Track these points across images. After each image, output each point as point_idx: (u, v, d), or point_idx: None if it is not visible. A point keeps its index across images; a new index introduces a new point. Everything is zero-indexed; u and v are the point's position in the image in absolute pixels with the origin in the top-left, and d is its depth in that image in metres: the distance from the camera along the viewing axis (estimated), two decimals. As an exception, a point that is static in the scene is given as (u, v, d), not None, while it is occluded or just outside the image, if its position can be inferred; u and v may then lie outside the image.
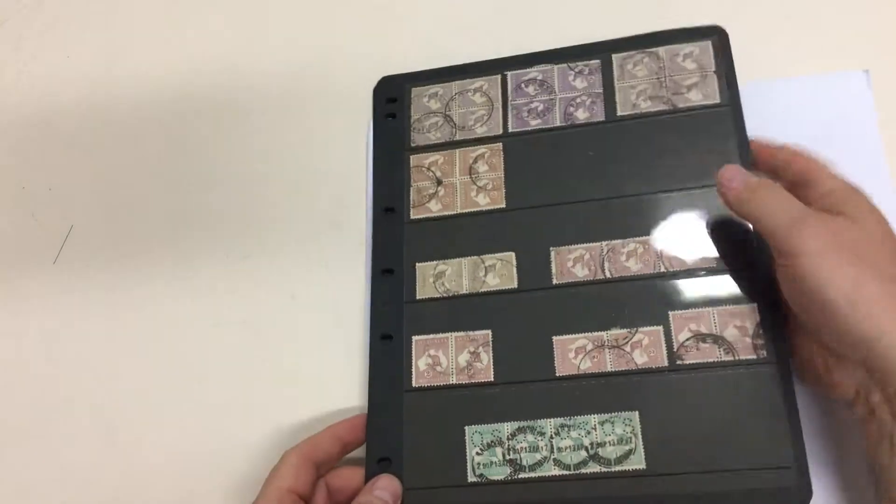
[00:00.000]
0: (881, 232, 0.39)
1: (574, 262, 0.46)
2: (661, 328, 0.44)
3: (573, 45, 0.52)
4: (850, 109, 0.48)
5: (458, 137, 0.51)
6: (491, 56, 0.53)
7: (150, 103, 0.57)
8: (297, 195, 0.53)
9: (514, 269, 0.47)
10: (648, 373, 0.43)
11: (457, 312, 0.47)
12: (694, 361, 0.43)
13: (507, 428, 0.43)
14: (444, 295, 0.47)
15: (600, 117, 0.49)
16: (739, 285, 0.44)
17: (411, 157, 0.51)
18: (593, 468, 0.42)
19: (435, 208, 0.50)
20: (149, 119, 0.57)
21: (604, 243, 0.46)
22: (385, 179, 0.51)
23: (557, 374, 0.44)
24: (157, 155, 0.56)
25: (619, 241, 0.46)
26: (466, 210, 0.49)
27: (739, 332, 0.42)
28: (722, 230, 0.45)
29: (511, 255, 0.47)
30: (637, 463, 0.41)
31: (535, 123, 0.50)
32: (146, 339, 0.51)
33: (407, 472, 0.43)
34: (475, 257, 0.48)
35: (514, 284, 0.47)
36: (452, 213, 0.49)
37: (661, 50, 0.50)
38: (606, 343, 0.44)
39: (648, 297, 0.44)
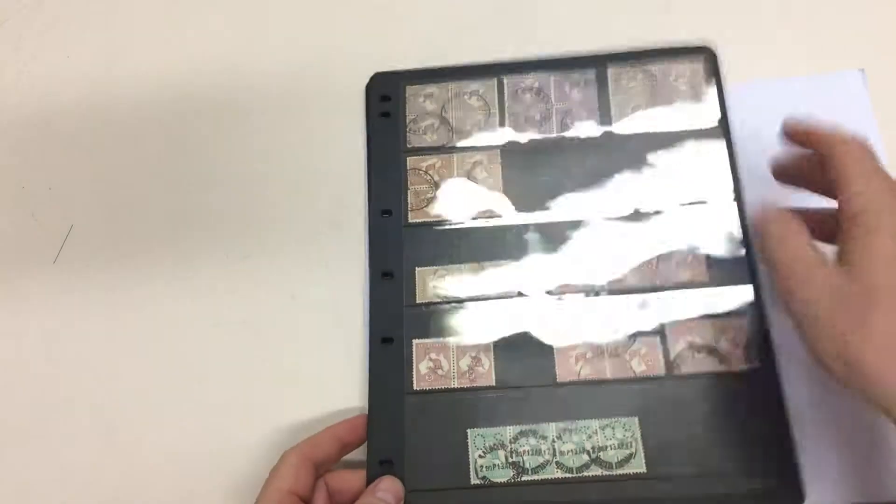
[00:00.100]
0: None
1: (572, 272, 0.48)
2: (657, 338, 0.46)
3: (570, 54, 0.53)
4: (846, 109, 0.50)
5: (455, 142, 0.52)
6: (487, 59, 0.54)
7: (150, 103, 0.56)
8: (297, 195, 0.53)
9: (514, 277, 0.48)
10: (647, 380, 0.45)
11: (457, 317, 0.48)
12: (689, 371, 0.45)
13: (509, 431, 0.45)
14: (445, 300, 0.48)
15: (595, 131, 0.51)
16: (731, 299, 0.46)
17: (408, 158, 0.52)
18: (595, 471, 0.43)
19: (433, 213, 0.50)
20: (149, 119, 0.56)
21: (602, 255, 0.48)
22: (382, 181, 0.52)
23: (558, 381, 0.45)
24: (157, 155, 0.55)
25: (616, 254, 0.48)
26: (465, 216, 0.50)
27: (732, 343, 0.45)
28: (714, 246, 0.47)
29: (509, 263, 0.48)
30: (637, 466, 0.43)
31: (532, 133, 0.52)
32: (146, 339, 0.50)
33: (409, 474, 0.44)
34: (475, 263, 0.49)
35: (514, 291, 0.48)
36: (451, 218, 0.50)
37: (655, 67, 0.52)
38: (606, 351, 0.46)
39: (646, 309, 0.46)
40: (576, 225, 0.49)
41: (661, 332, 0.46)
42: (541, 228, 0.49)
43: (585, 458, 0.44)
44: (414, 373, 0.47)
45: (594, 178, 0.50)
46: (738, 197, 0.48)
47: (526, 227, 0.49)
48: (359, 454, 0.46)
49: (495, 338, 0.47)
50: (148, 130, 0.56)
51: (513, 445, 0.44)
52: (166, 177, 0.54)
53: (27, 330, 0.51)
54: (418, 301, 0.48)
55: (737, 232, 0.47)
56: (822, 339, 0.35)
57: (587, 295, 0.47)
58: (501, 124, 0.52)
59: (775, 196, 0.48)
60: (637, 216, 0.49)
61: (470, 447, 0.45)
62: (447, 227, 0.50)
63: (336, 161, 0.53)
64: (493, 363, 0.46)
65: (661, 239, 0.48)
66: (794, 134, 0.42)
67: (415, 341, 0.47)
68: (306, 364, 0.49)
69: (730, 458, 0.43)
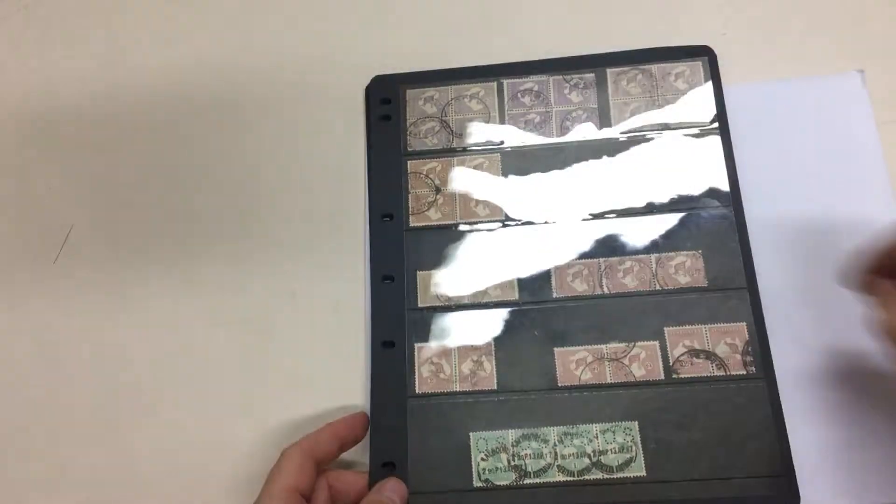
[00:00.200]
0: None
1: (573, 277, 0.48)
2: (657, 343, 0.46)
3: (569, 55, 0.53)
4: (846, 110, 0.51)
5: (455, 145, 0.52)
6: (487, 61, 0.54)
7: (150, 105, 0.56)
8: (297, 197, 0.53)
9: (515, 282, 0.49)
10: (646, 385, 0.46)
11: (459, 322, 0.48)
12: (688, 375, 0.45)
13: (511, 435, 0.45)
14: (446, 304, 0.49)
15: (595, 133, 0.51)
16: (730, 304, 0.47)
17: (409, 162, 0.52)
18: (596, 475, 0.44)
19: (434, 217, 0.51)
20: (149, 120, 0.56)
21: (601, 260, 0.48)
22: (382, 184, 0.52)
23: (559, 385, 0.46)
24: (157, 155, 0.55)
25: (616, 259, 0.48)
26: (466, 220, 0.50)
27: (730, 348, 0.46)
28: (713, 250, 0.48)
29: (512, 268, 0.49)
30: (638, 470, 0.44)
31: (532, 135, 0.52)
32: (146, 339, 0.51)
33: (411, 477, 0.45)
34: (476, 267, 0.49)
35: (516, 296, 0.48)
36: (452, 222, 0.50)
37: (654, 67, 0.52)
38: (606, 356, 0.46)
39: (645, 313, 0.47)
40: (576, 227, 0.49)
41: (660, 336, 0.46)
42: (541, 231, 0.49)
43: (586, 461, 0.44)
44: (416, 376, 0.47)
45: (594, 180, 0.50)
46: (737, 199, 0.49)
47: (526, 230, 0.50)
48: (360, 456, 0.47)
49: (497, 342, 0.47)
50: (148, 132, 0.56)
51: (515, 449, 0.45)
52: (166, 178, 0.54)
53: (27, 330, 0.52)
54: (419, 305, 0.49)
55: (735, 235, 0.48)
56: None
57: (588, 298, 0.48)
58: (501, 127, 0.52)
59: (774, 201, 0.49)
60: (636, 218, 0.49)
61: (472, 450, 0.45)
62: (448, 230, 0.50)
63: (336, 164, 0.54)
64: (494, 367, 0.47)
65: (660, 242, 0.48)
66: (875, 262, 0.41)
67: (416, 345, 0.48)
68: (306, 364, 0.49)
69: (728, 461, 0.43)
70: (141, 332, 0.51)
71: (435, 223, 0.50)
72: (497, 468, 0.45)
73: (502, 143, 0.52)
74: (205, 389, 0.49)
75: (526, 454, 0.45)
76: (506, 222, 0.50)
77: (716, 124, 0.50)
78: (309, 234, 0.52)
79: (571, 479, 0.44)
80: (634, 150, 0.51)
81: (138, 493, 0.48)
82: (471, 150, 0.52)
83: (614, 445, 0.45)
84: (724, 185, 0.49)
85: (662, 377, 0.46)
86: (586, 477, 0.44)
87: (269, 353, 0.50)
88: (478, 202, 0.51)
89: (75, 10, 0.60)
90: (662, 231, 0.49)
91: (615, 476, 0.44)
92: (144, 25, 0.59)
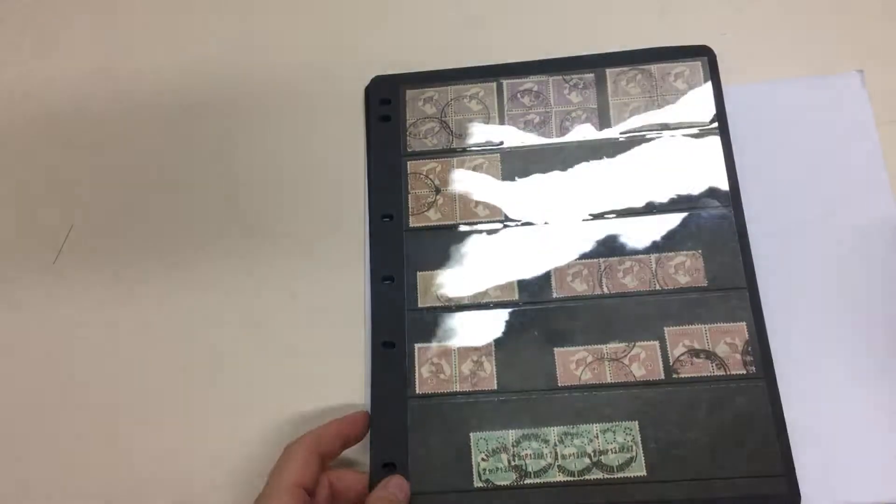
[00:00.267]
0: None
1: (573, 277, 0.48)
2: (657, 343, 0.46)
3: (569, 56, 0.54)
4: (846, 110, 0.51)
5: (455, 146, 0.52)
6: (486, 61, 0.54)
7: (150, 105, 0.56)
8: (296, 197, 0.53)
9: (515, 282, 0.49)
10: (646, 385, 0.46)
11: (459, 322, 0.48)
12: (688, 375, 0.45)
13: (511, 435, 0.45)
14: (446, 304, 0.49)
15: (595, 134, 0.51)
16: (730, 304, 0.46)
17: (409, 162, 0.52)
18: (596, 475, 0.44)
19: (434, 217, 0.51)
20: (149, 120, 0.56)
21: (601, 260, 0.48)
22: (382, 185, 0.52)
23: (559, 385, 0.46)
24: (157, 155, 0.55)
25: (615, 259, 0.48)
26: (465, 220, 0.50)
27: (730, 348, 0.46)
28: (713, 250, 0.48)
29: (511, 268, 0.49)
30: (638, 470, 0.44)
31: (531, 136, 0.52)
32: (146, 340, 0.51)
33: (412, 478, 0.45)
34: (476, 267, 0.49)
35: (516, 297, 0.48)
36: (452, 222, 0.50)
37: (654, 67, 0.52)
38: (606, 356, 0.46)
39: (645, 313, 0.47)
40: (575, 227, 0.49)
41: (660, 336, 0.46)
42: (541, 231, 0.49)
43: (587, 461, 0.44)
44: (416, 377, 0.47)
45: (593, 180, 0.50)
46: (737, 199, 0.49)
47: (526, 230, 0.50)
48: (360, 456, 0.47)
49: (497, 342, 0.47)
50: (148, 131, 0.56)
51: (515, 449, 0.45)
52: (166, 177, 0.55)
53: (27, 330, 0.52)
54: (420, 305, 0.49)
55: (735, 235, 0.48)
56: None
57: (588, 298, 0.48)
58: (501, 127, 0.52)
59: (774, 201, 0.49)
60: (636, 218, 0.49)
61: (473, 451, 0.45)
62: (448, 231, 0.50)
63: (336, 164, 0.54)
64: (494, 367, 0.47)
65: (660, 242, 0.48)
66: None
67: (416, 346, 0.48)
68: (307, 365, 0.49)
69: (728, 460, 0.43)
70: (141, 332, 0.51)
71: (435, 223, 0.50)
72: (497, 468, 0.45)
73: (502, 143, 0.52)
74: (205, 390, 0.49)
75: (526, 454, 0.45)
76: (505, 223, 0.50)
77: (715, 124, 0.50)
78: (309, 235, 0.52)
79: (572, 479, 0.44)
80: (634, 150, 0.51)
81: (138, 493, 0.48)
82: (470, 151, 0.52)
83: (615, 445, 0.44)
84: (724, 185, 0.49)
85: (662, 377, 0.46)
86: (587, 477, 0.44)
87: (270, 354, 0.50)
88: (477, 202, 0.51)
89: (75, 11, 0.60)
90: (662, 231, 0.49)
91: (615, 476, 0.44)
92: (145, 26, 0.59)
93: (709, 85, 0.51)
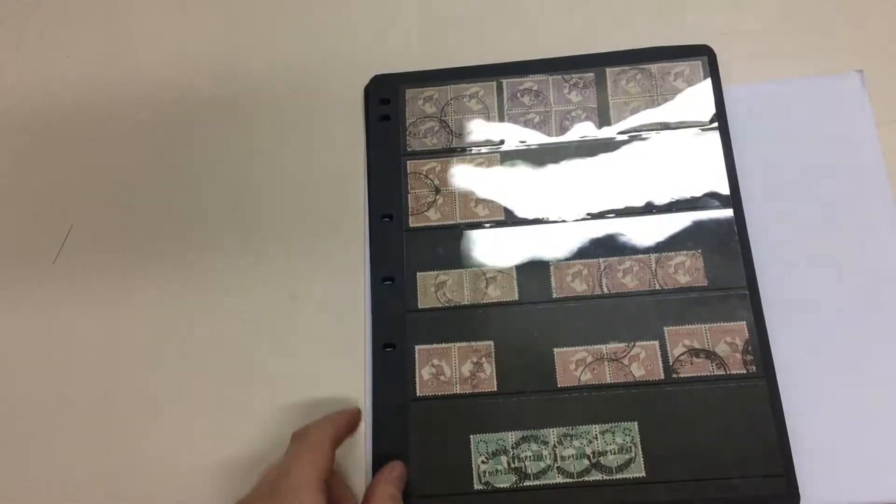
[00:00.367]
0: None
1: (573, 277, 0.48)
2: (657, 343, 0.46)
3: (569, 55, 0.53)
4: (846, 110, 0.51)
5: (455, 145, 0.52)
6: (486, 61, 0.54)
7: (150, 104, 0.56)
8: (296, 197, 0.53)
9: (515, 282, 0.48)
10: (646, 385, 0.46)
11: (459, 323, 0.48)
12: (688, 375, 0.45)
13: (511, 437, 0.45)
14: (447, 305, 0.48)
15: (594, 133, 0.51)
16: (730, 303, 0.46)
17: (408, 162, 0.52)
18: (595, 476, 0.44)
19: (434, 217, 0.51)
20: (148, 119, 0.56)
21: (601, 260, 0.48)
22: (382, 185, 0.52)
23: (559, 385, 0.46)
24: (157, 155, 0.55)
25: (615, 259, 0.48)
26: (465, 220, 0.50)
27: (730, 347, 0.46)
28: (713, 249, 0.48)
29: (511, 269, 0.49)
30: (637, 471, 0.44)
31: (531, 135, 0.52)
32: (146, 339, 0.51)
33: (412, 480, 0.45)
34: (476, 269, 0.49)
35: (516, 297, 0.48)
36: (452, 222, 0.50)
37: (654, 67, 0.52)
38: (605, 356, 0.46)
39: (645, 313, 0.47)
40: (575, 227, 0.49)
41: (660, 335, 0.46)
42: (541, 231, 0.49)
43: (586, 462, 0.44)
44: (416, 379, 0.47)
45: (593, 180, 0.50)
46: (737, 199, 0.49)
47: (526, 230, 0.50)
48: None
49: (497, 343, 0.47)
50: (147, 131, 0.56)
51: (515, 451, 0.45)
52: (166, 177, 0.55)
53: (27, 330, 0.52)
54: (420, 306, 0.49)
55: (735, 235, 0.48)
56: None
57: (588, 298, 0.48)
58: (500, 127, 0.52)
59: (774, 201, 0.49)
60: (636, 218, 0.49)
61: (473, 453, 0.45)
62: (448, 231, 0.50)
63: (336, 164, 0.53)
64: (494, 369, 0.47)
65: (660, 241, 0.48)
66: None
67: (417, 347, 0.48)
68: (307, 367, 0.49)
69: (728, 461, 0.43)
70: (141, 332, 0.51)
71: (435, 223, 0.50)
72: (497, 470, 0.45)
73: (502, 142, 0.52)
74: (205, 391, 0.49)
75: (526, 456, 0.45)
76: (505, 222, 0.50)
77: (715, 124, 0.50)
78: (309, 235, 0.52)
79: (571, 480, 0.44)
80: (634, 149, 0.51)
81: (138, 493, 0.48)
82: (470, 150, 0.52)
83: (614, 446, 0.45)
84: (724, 185, 0.49)
85: (662, 377, 0.46)
86: (586, 478, 0.44)
87: (269, 355, 0.50)
88: (477, 202, 0.51)
89: (75, 10, 0.60)
90: (662, 231, 0.49)
91: (615, 477, 0.44)
92: (144, 25, 0.59)
93: (709, 84, 0.51)
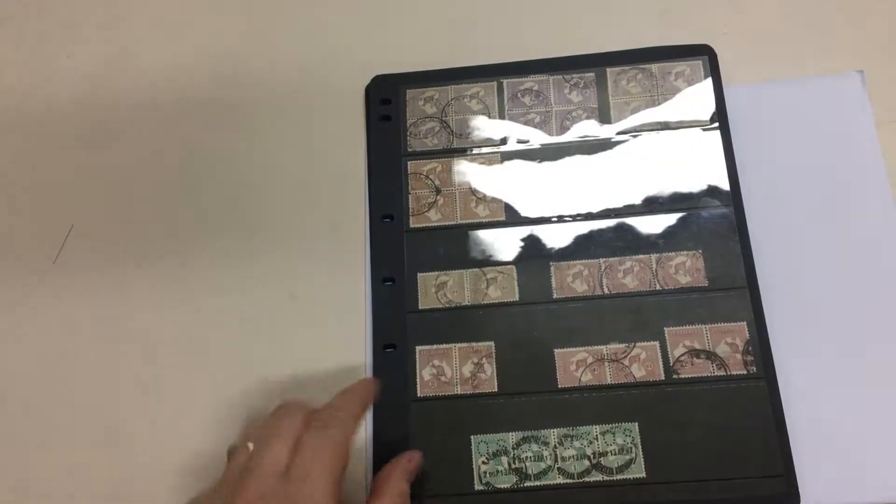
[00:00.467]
0: None
1: (573, 278, 0.48)
2: (657, 343, 0.46)
3: (569, 55, 0.53)
4: (846, 110, 0.51)
5: (455, 145, 0.52)
6: (487, 61, 0.54)
7: (150, 104, 0.56)
8: (296, 197, 0.53)
9: (515, 283, 0.49)
10: (647, 386, 0.46)
11: (460, 323, 0.48)
12: (689, 376, 0.45)
13: (511, 437, 0.45)
14: (447, 305, 0.48)
15: (595, 133, 0.51)
16: (730, 304, 0.46)
17: (409, 162, 0.52)
18: (596, 477, 0.44)
19: (434, 217, 0.51)
20: (149, 119, 0.56)
21: (601, 260, 0.48)
22: (382, 185, 0.52)
23: (559, 386, 0.46)
24: (158, 155, 0.55)
25: (616, 259, 0.48)
26: (466, 221, 0.50)
27: (731, 348, 0.46)
28: (713, 250, 0.48)
29: (512, 269, 0.49)
30: (637, 472, 0.44)
31: (532, 135, 0.52)
32: (146, 340, 0.51)
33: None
34: (477, 269, 0.49)
35: (516, 297, 0.48)
36: (452, 223, 0.50)
37: (654, 66, 0.52)
38: (606, 356, 0.46)
39: (645, 314, 0.47)
40: (576, 227, 0.49)
41: (660, 336, 0.46)
42: (542, 231, 0.49)
43: (586, 463, 0.44)
44: (417, 379, 0.47)
45: (594, 180, 0.50)
46: (737, 199, 0.49)
47: (526, 230, 0.50)
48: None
49: (498, 343, 0.47)
50: (148, 131, 0.56)
51: (515, 451, 0.45)
52: (166, 177, 0.55)
53: (27, 330, 0.52)
54: (421, 307, 0.49)
55: (735, 235, 0.48)
56: None
57: (588, 298, 0.48)
58: (501, 127, 0.52)
59: (774, 201, 0.49)
60: (636, 218, 0.49)
61: (473, 453, 0.45)
62: (449, 231, 0.50)
63: (336, 164, 0.53)
64: (495, 370, 0.47)
65: (660, 242, 0.48)
66: None
67: (417, 348, 0.48)
68: (307, 368, 0.49)
69: (728, 461, 0.44)
70: (141, 332, 0.51)
71: (435, 224, 0.50)
72: (498, 471, 0.45)
73: (502, 143, 0.52)
74: (205, 391, 0.49)
75: (526, 457, 0.45)
76: (506, 222, 0.50)
77: (716, 124, 0.50)
78: (309, 236, 0.52)
79: (571, 481, 0.44)
80: (634, 149, 0.51)
81: (138, 494, 0.48)
82: (471, 151, 0.52)
83: (614, 447, 0.45)
84: (725, 185, 0.49)
85: (663, 377, 0.46)
86: (586, 479, 0.44)
87: (269, 356, 0.50)
88: (478, 202, 0.51)
89: (75, 10, 0.60)
90: (662, 231, 0.49)
91: (615, 478, 0.44)
92: (145, 25, 0.59)
93: (709, 84, 0.51)
